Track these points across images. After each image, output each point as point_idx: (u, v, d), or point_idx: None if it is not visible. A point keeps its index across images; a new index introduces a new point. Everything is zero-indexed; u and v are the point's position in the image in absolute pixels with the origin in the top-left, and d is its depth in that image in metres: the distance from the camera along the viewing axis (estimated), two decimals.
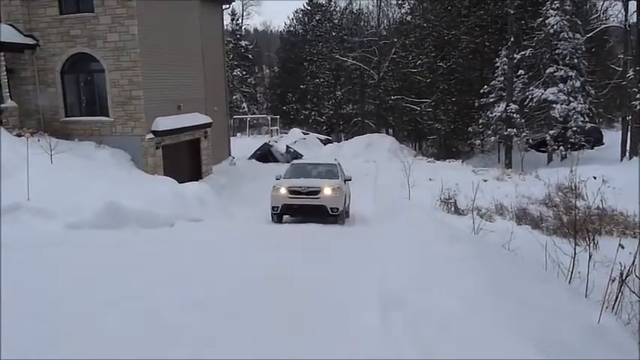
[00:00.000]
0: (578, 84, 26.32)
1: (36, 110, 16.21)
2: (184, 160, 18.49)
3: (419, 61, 36.11)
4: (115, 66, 15.69)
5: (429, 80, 35.33)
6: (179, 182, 13.51)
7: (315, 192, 12.45)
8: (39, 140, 12.65)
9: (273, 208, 12.77)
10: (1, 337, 3.58)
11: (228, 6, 25.86)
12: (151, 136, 16.06)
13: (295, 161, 17.49)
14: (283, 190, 12.55)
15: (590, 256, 5.60)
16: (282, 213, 12.83)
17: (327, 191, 12.46)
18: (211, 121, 19.73)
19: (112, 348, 3.78)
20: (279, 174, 13.89)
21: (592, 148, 27.44)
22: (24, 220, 8.62)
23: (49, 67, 16.16)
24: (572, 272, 5.70)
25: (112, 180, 11.85)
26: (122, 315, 4.43)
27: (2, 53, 15.26)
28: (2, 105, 15.31)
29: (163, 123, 16.37)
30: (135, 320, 4.32)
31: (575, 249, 5.81)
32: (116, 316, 4.40)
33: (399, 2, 42.96)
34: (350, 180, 14.31)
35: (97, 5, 15.45)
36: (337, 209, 12.50)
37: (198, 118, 18.88)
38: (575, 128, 26.06)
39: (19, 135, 13.61)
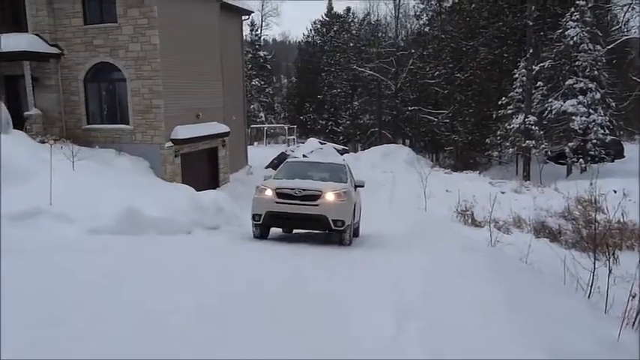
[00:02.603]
0: (598, 96, 26.03)
1: (59, 118, 16.57)
2: (202, 168, 18.69)
3: (436, 72, 36.11)
4: (136, 75, 15.98)
5: (446, 91, 35.28)
6: (197, 190, 13.64)
7: (313, 197, 9.28)
8: (62, 147, 12.91)
9: (253, 216, 9.63)
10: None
11: (247, 17, 26.16)
12: (170, 144, 16.28)
13: (291, 159, 14.82)
14: (269, 193, 9.45)
15: (610, 271, 5.53)
16: (267, 224, 9.76)
17: (330, 197, 9.32)
18: (229, 130, 19.93)
19: (125, 348, 3.82)
20: (269, 174, 11.26)
21: (612, 161, 27.07)
22: (45, 224, 8.78)
23: (73, 75, 16.53)
24: (591, 287, 5.63)
25: (132, 187, 12.01)
26: (135, 317, 4.47)
27: (29, 62, 15.66)
28: (27, 112, 15.70)
29: (182, 131, 16.60)
30: (145, 323, 4.36)
31: (594, 263, 5.74)
32: (131, 318, 4.45)
33: (417, 13, 43.14)
34: (362, 187, 11.05)
35: (120, 16, 15.79)
36: (342, 222, 9.34)
37: (217, 127, 19.09)
38: (595, 141, 25.74)
39: (42, 142, 13.92)
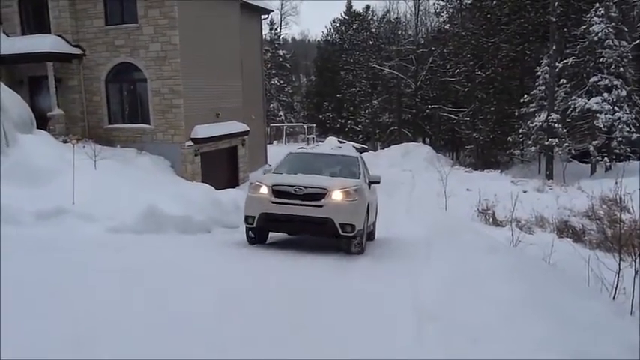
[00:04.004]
0: (623, 93, 25.50)
1: (81, 118, 16.83)
2: (222, 167, 18.80)
3: (457, 70, 35.79)
4: (157, 75, 16.14)
5: (467, 89, 34.94)
6: (216, 189, 13.72)
7: (317, 195, 7.74)
8: (84, 147, 13.08)
9: (246, 219, 8.14)
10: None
11: (267, 16, 26.26)
12: (190, 143, 16.41)
13: (295, 150, 12.09)
14: (264, 191, 7.95)
15: (636, 272, 5.39)
16: (262, 228, 8.23)
17: (337, 195, 7.78)
18: (249, 129, 20.02)
19: (142, 346, 3.85)
20: (269, 168, 9.86)
21: (638, 160, 26.47)
22: (68, 223, 8.93)
23: (95, 76, 16.76)
24: (616, 288, 5.51)
25: (152, 186, 12.13)
26: (142, 312, 4.50)
27: (52, 63, 15.94)
28: (50, 113, 15.98)
29: (202, 131, 16.72)
30: (153, 319, 4.39)
31: (619, 264, 5.61)
32: (139, 313, 4.48)
33: (437, 11, 42.83)
34: (378, 183, 9.46)
35: (141, 16, 15.97)
36: (352, 227, 7.73)
37: (236, 127, 19.19)
38: (620, 139, 25.24)
39: (65, 141, 14.15)
